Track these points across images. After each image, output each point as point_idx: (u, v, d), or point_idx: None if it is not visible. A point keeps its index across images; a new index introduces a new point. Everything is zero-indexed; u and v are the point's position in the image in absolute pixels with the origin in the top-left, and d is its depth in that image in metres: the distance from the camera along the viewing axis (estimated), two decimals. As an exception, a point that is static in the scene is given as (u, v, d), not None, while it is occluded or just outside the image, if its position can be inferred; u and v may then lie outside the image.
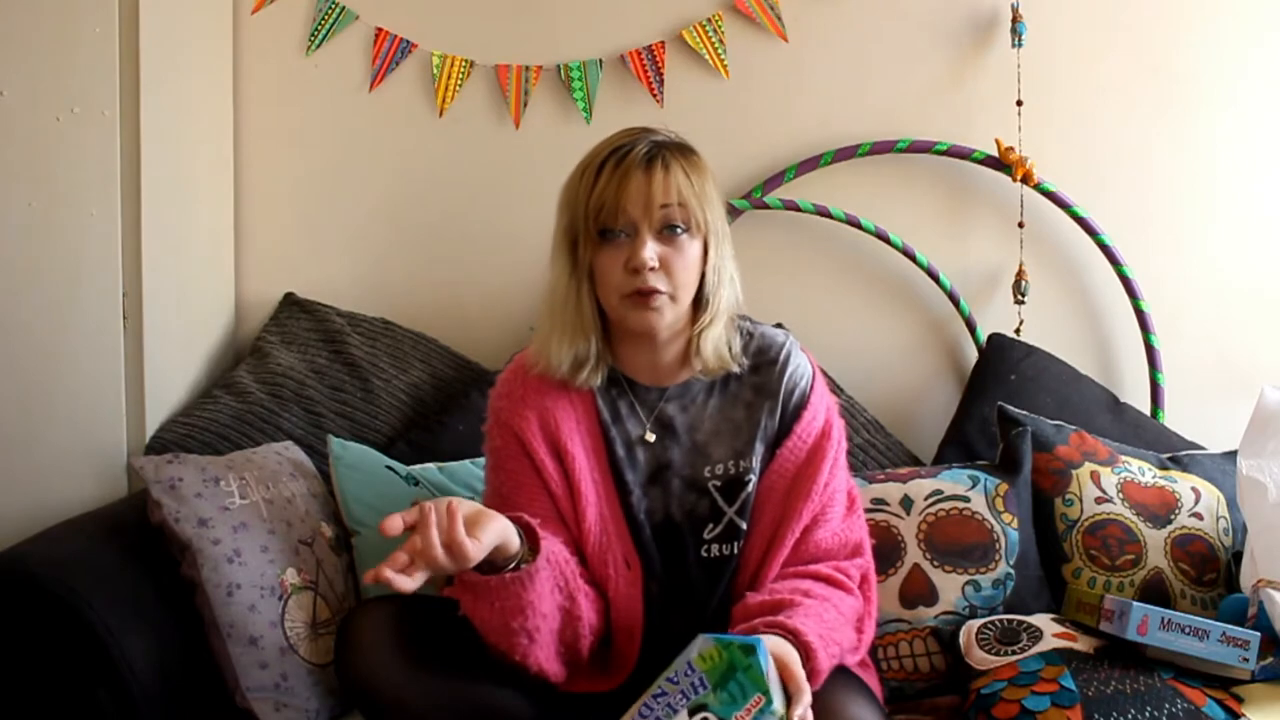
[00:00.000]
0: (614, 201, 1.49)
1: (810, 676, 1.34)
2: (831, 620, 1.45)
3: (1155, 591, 1.88)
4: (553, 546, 1.46)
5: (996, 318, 2.29)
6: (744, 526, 1.56)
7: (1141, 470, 1.98)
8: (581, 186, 1.52)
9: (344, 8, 2.31)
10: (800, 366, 1.61)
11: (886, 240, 2.28)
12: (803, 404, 1.58)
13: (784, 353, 1.60)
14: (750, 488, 1.56)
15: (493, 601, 1.39)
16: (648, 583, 1.56)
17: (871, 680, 1.58)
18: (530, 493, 1.55)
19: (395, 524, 1.29)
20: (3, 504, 1.90)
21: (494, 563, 1.38)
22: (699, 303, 1.55)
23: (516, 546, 1.39)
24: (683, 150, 1.55)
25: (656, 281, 1.49)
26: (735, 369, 1.58)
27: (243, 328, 2.34)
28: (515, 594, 1.39)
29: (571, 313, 1.54)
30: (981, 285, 2.31)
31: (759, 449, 1.57)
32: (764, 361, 1.60)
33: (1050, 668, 1.61)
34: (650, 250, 1.48)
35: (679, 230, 1.50)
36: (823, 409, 1.59)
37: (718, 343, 1.56)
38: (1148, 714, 1.52)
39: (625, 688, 1.51)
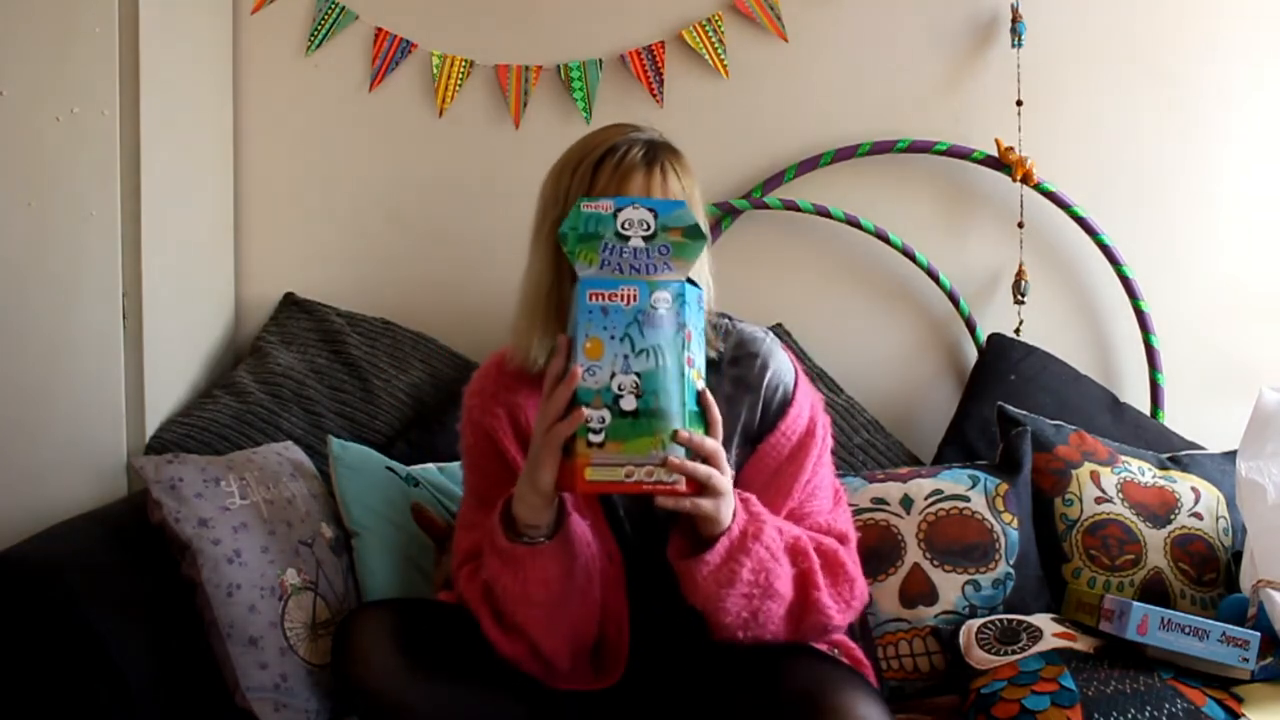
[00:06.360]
0: None
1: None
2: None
3: (1155, 591, 1.88)
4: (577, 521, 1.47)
5: (996, 318, 2.29)
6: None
7: (1141, 470, 1.98)
8: (575, 182, 1.51)
9: (344, 8, 2.31)
10: (783, 363, 1.60)
11: (886, 240, 2.28)
12: (787, 401, 1.57)
13: (764, 348, 1.59)
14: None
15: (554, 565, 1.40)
16: (631, 577, 1.54)
17: (871, 680, 1.57)
18: (506, 491, 1.51)
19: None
20: (3, 504, 1.90)
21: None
22: None
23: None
24: (673, 152, 1.54)
25: None
26: (712, 354, 1.55)
27: (243, 328, 2.34)
28: (564, 555, 1.41)
29: (553, 308, 1.51)
30: (981, 285, 2.31)
31: (737, 442, 1.56)
32: (743, 355, 1.58)
33: (1050, 667, 1.61)
34: None
35: None
36: (807, 405, 1.58)
37: None
38: (1148, 714, 1.52)
39: (619, 686, 1.51)
